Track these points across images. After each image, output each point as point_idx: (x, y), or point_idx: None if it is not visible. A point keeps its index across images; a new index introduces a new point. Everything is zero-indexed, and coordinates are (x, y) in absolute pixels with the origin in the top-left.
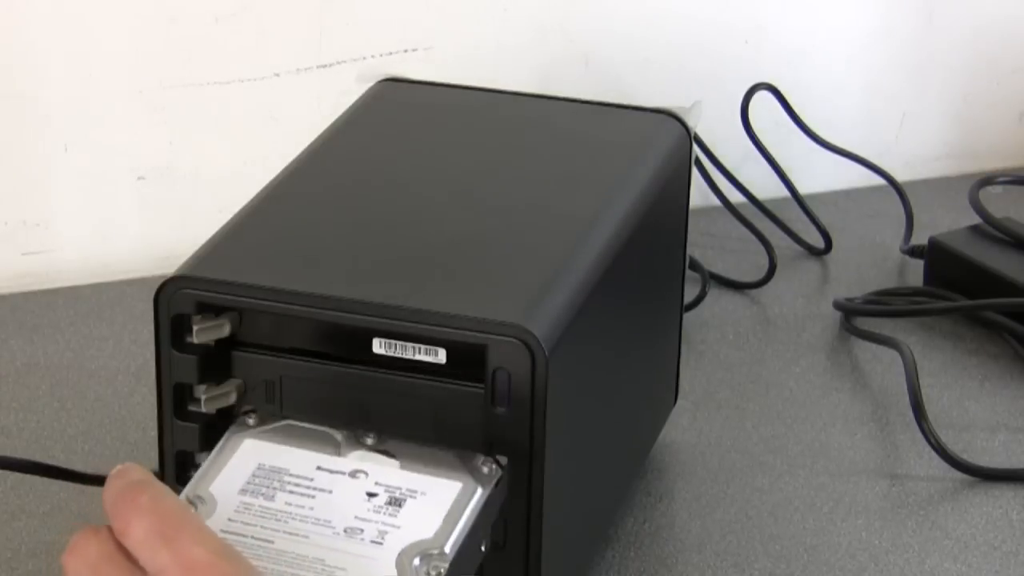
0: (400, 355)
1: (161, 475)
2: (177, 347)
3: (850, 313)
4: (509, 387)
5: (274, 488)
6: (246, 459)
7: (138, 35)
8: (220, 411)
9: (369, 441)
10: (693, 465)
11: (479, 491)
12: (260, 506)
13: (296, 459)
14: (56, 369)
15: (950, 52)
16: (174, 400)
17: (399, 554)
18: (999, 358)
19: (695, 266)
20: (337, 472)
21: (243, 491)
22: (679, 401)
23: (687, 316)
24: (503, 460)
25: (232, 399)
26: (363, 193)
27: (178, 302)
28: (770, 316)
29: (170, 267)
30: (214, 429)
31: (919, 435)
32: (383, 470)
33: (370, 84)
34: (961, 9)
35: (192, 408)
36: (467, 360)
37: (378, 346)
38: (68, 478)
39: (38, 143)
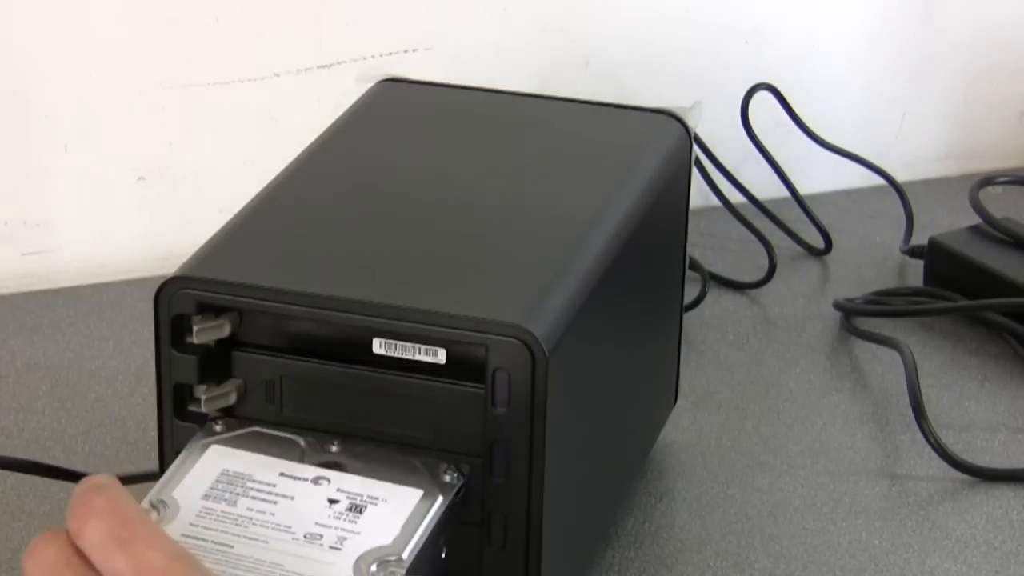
0: (400, 355)
1: (161, 476)
2: (177, 347)
3: (850, 313)
4: (509, 387)
5: (236, 494)
6: (210, 465)
7: (138, 35)
8: (220, 411)
9: (334, 448)
10: (693, 465)
11: (439, 499)
12: (222, 511)
13: (260, 465)
14: (56, 369)
15: (950, 53)
16: (174, 400)
17: (357, 560)
18: (999, 358)
19: (695, 266)
20: (300, 479)
21: (206, 496)
22: (679, 401)
23: (687, 316)
24: (465, 468)
25: (232, 399)
26: (363, 193)
27: (178, 302)
28: (770, 316)
29: (170, 267)
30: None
31: (919, 435)
32: (346, 476)
33: (370, 84)
34: (961, 10)
35: (192, 408)
36: (467, 360)
37: (378, 346)
38: (68, 478)
39: (38, 143)
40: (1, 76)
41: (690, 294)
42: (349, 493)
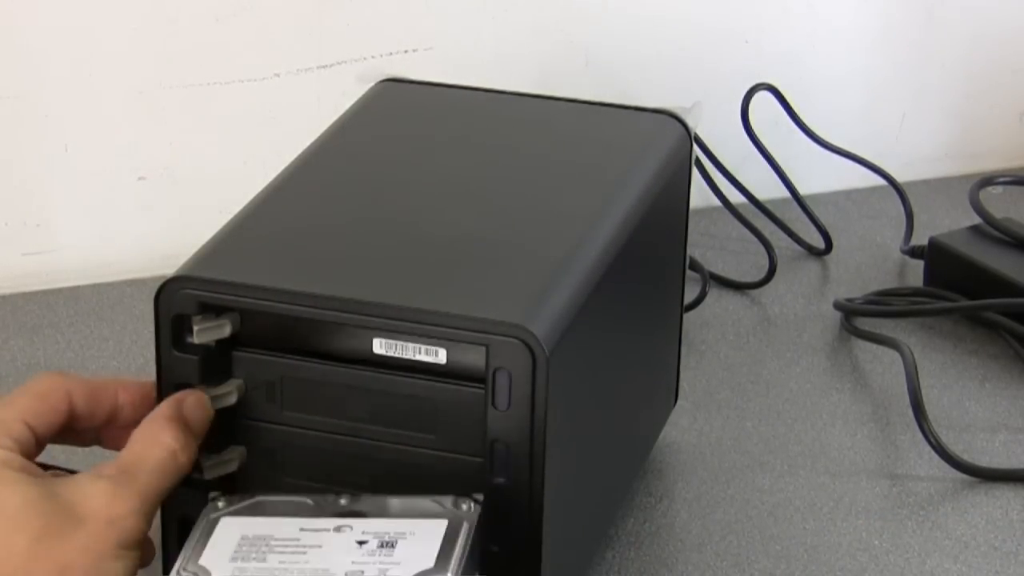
0: (400, 355)
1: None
2: (178, 347)
3: (850, 313)
4: (509, 387)
5: (263, 552)
6: (227, 535)
7: (138, 35)
8: (220, 412)
9: (343, 501)
10: (693, 465)
11: (465, 524)
12: (255, 567)
13: (277, 525)
14: (56, 369)
15: (950, 52)
16: None
17: None
18: (999, 358)
19: (695, 266)
20: (322, 530)
21: (233, 559)
22: (679, 401)
23: (687, 316)
24: (479, 497)
25: (232, 399)
26: (363, 193)
27: (179, 302)
28: (770, 316)
29: (171, 267)
30: (214, 430)
31: (919, 435)
32: (366, 521)
33: (370, 84)
34: (961, 9)
35: None
36: (467, 360)
37: (378, 346)
38: None
39: (38, 143)
40: (1, 76)
41: (690, 294)
42: (376, 533)
